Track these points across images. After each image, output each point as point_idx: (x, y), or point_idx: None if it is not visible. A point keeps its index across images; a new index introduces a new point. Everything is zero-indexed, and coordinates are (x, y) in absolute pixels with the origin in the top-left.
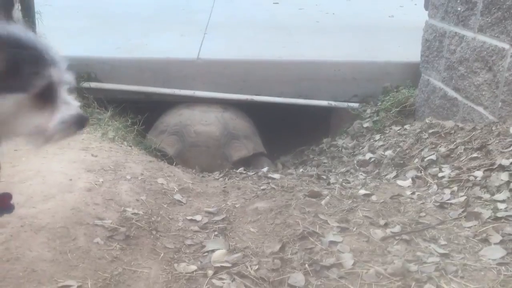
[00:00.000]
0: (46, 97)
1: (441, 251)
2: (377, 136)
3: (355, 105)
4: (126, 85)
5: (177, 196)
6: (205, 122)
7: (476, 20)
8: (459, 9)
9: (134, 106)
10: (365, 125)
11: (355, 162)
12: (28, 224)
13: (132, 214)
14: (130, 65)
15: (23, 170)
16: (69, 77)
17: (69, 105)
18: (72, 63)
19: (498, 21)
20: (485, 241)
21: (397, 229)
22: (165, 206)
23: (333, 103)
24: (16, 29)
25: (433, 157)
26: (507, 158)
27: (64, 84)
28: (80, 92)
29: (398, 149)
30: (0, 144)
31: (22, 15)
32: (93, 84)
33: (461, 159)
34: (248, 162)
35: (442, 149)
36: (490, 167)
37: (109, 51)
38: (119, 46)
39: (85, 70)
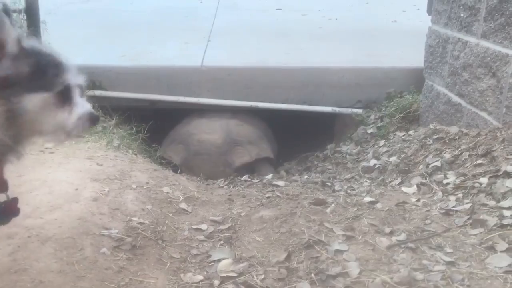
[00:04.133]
0: (64, 98)
1: (447, 259)
2: (382, 142)
3: (359, 111)
4: (131, 93)
5: (183, 205)
6: (208, 130)
7: (479, 26)
8: (462, 15)
9: (139, 113)
10: (369, 131)
11: (360, 168)
12: (35, 234)
13: (138, 223)
14: (135, 72)
15: (30, 180)
16: (81, 81)
17: (83, 104)
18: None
19: (501, 27)
20: (491, 248)
21: (402, 237)
22: (170, 215)
23: (337, 109)
24: (35, 41)
25: (438, 163)
26: None
27: (77, 87)
28: None
29: (402, 155)
30: (23, 147)
31: (28, 24)
32: (98, 92)
33: (466, 166)
34: (252, 169)
35: (447, 155)
36: (495, 174)
37: (113, 59)
38: (123, 54)
39: (89, 78)
